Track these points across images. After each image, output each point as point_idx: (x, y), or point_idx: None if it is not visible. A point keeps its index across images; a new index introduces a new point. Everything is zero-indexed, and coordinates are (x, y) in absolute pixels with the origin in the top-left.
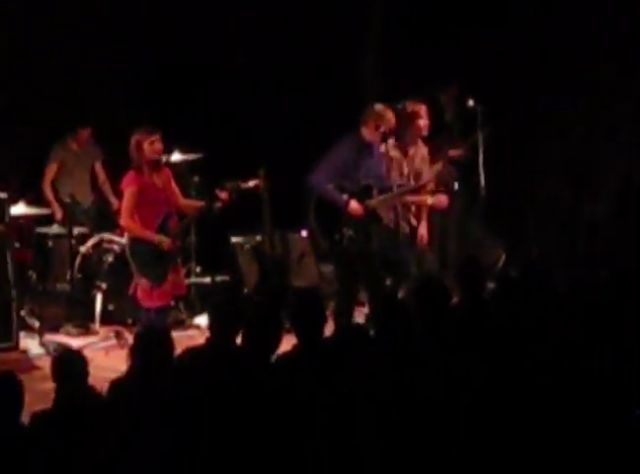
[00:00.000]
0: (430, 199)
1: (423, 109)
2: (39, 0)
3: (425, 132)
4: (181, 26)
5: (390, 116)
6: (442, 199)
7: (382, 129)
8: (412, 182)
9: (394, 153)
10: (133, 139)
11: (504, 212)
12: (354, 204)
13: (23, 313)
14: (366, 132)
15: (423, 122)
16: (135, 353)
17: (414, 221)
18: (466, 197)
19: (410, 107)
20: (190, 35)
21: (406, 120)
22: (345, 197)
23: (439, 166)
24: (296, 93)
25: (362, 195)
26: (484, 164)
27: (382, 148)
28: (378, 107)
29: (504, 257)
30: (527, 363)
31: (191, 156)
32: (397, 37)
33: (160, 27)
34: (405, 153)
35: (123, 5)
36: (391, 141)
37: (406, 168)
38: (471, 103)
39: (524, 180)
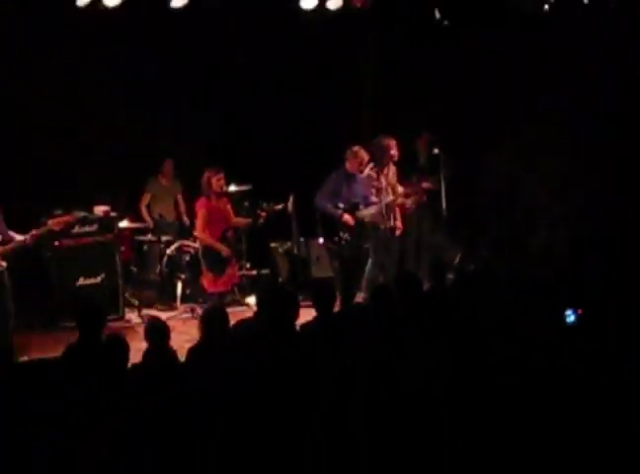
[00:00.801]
0: (409, 202)
1: (393, 142)
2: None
3: (395, 159)
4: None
5: (362, 154)
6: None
7: (358, 162)
8: (389, 192)
9: (371, 173)
10: (206, 175)
11: (459, 226)
12: (346, 217)
13: (127, 295)
14: (349, 166)
15: (393, 152)
16: (203, 323)
17: (396, 219)
18: (433, 216)
19: (385, 141)
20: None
21: (382, 150)
22: (339, 212)
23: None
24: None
25: (352, 209)
26: (445, 192)
27: (365, 172)
28: (354, 148)
29: (459, 256)
30: (484, 341)
31: (242, 187)
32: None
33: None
34: (381, 172)
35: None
36: (370, 165)
37: (383, 182)
38: (436, 151)
39: (474, 202)
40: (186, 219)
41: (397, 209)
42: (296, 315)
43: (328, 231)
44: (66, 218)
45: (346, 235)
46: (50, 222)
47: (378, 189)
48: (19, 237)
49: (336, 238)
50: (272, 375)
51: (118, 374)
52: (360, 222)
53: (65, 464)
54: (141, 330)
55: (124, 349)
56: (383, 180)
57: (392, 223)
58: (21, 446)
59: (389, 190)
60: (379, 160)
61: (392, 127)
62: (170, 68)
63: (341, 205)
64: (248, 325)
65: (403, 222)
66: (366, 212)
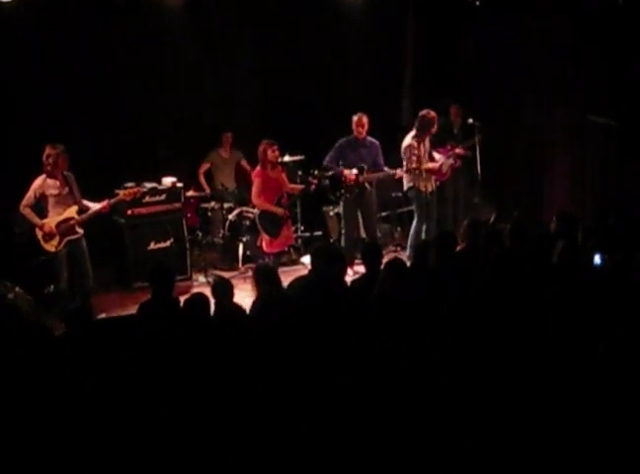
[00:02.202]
0: (445, 167)
1: (435, 116)
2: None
3: (434, 131)
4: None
5: (363, 119)
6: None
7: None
8: (427, 159)
9: (413, 142)
10: (261, 147)
11: (493, 188)
12: (346, 171)
13: (194, 257)
14: (355, 132)
15: (435, 126)
16: (256, 281)
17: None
18: (468, 179)
19: (430, 114)
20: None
21: (427, 123)
22: (340, 168)
23: (447, 164)
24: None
25: (360, 171)
26: (480, 157)
27: (407, 141)
28: (357, 115)
29: (494, 215)
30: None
31: (296, 158)
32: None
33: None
34: (422, 142)
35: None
36: (411, 134)
37: (422, 150)
38: (470, 120)
39: (506, 167)
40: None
41: (432, 174)
42: (344, 271)
43: (334, 190)
44: (136, 190)
45: (347, 194)
46: (122, 193)
47: (418, 156)
48: (95, 206)
49: (337, 193)
50: (322, 325)
51: (203, 327)
52: (361, 185)
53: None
54: (207, 288)
55: (207, 304)
56: (422, 148)
57: (430, 186)
58: (101, 399)
59: (427, 157)
60: (422, 130)
61: (429, 101)
62: (231, 42)
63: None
64: (303, 282)
65: (441, 185)
66: (370, 176)
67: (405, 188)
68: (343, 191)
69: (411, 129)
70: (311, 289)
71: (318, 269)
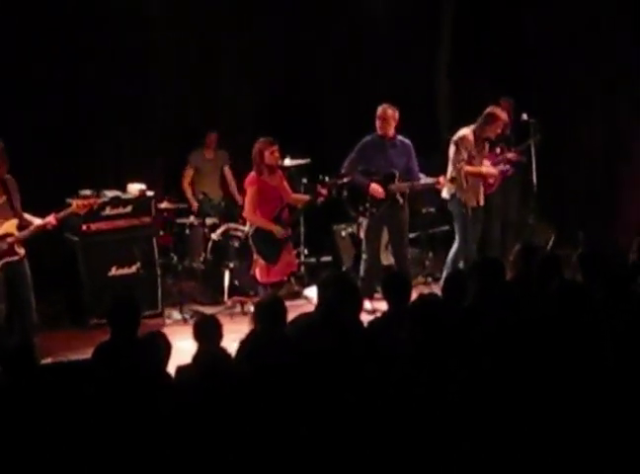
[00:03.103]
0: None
1: (504, 115)
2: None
3: (499, 131)
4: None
5: (388, 112)
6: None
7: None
8: (479, 160)
9: (468, 135)
10: (257, 147)
11: (552, 203)
12: (374, 186)
13: (167, 287)
14: (378, 129)
15: (500, 130)
16: (257, 317)
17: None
18: (521, 190)
19: (494, 111)
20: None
21: (489, 121)
22: (367, 180)
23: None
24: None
25: (386, 180)
26: (536, 164)
27: (461, 132)
28: (380, 107)
29: (553, 238)
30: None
31: (299, 161)
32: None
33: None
34: (479, 142)
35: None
36: (471, 127)
37: (475, 152)
38: (525, 117)
39: (568, 176)
40: (238, 197)
41: (481, 185)
42: (360, 308)
43: (356, 203)
44: (92, 200)
45: (373, 208)
46: (75, 204)
47: (470, 156)
48: (38, 221)
49: (361, 208)
50: (332, 378)
51: (154, 378)
52: (391, 197)
53: None
54: (183, 328)
55: (164, 348)
56: (477, 150)
57: (475, 200)
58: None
59: (480, 161)
60: (482, 129)
61: (470, 98)
62: (219, 23)
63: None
64: (307, 320)
65: (487, 198)
66: (403, 185)
67: (445, 195)
68: (367, 204)
69: (450, 128)
70: (317, 330)
71: (327, 304)
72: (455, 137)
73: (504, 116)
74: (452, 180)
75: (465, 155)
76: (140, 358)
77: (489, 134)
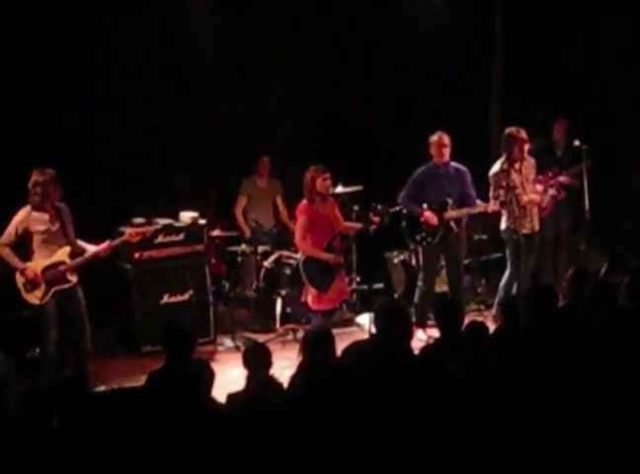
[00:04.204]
0: (545, 201)
1: (522, 133)
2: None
3: (525, 153)
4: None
5: (443, 140)
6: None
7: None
8: (526, 190)
9: (499, 169)
10: (308, 175)
11: (604, 230)
12: (427, 214)
13: (219, 314)
14: (433, 157)
15: (524, 145)
16: (306, 347)
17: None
18: (573, 216)
19: (511, 131)
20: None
21: (509, 143)
22: (420, 209)
23: (547, 196)
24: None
25: (440, 208)
26: (588, 189)
27: (494, 168)
28: (433, 135)
29: (606, 265)
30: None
31: (351, 189)
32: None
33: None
34: (512, 167)
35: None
36: (500, 160)
37: (516, 179)
38: (577, 142)
39: (621, 202)
40: (290, 225)
41: (534, 210)
42: (410, 335)
43: (412, 231)
44: (145, 229)
45: (429, 237)
46: (128, 233)
47: (509, 187)
48: (91, 248)
49: (417, 237)
50: (380, 406)
51: (199, 404)
52: (445, 225)
53: None
54: (236, 355)
55: (208, 376)
56: (516, 176)
57: (529, 227)
58: None
59: (526, 187)
60: (509, 154)
61: (524, 118)
62: (271, 42)
63: (424, 206)
64: (360, 348)
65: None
66: (455, 213)
67: (502, 227)
68: (424, 234)
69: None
70: (369, 359)
71: (379, 332)
72: (489, 175)
73: (521, 133)
74: (503, 204)
75: (502, 191)
76: (187, 386)
77: (517, 157)
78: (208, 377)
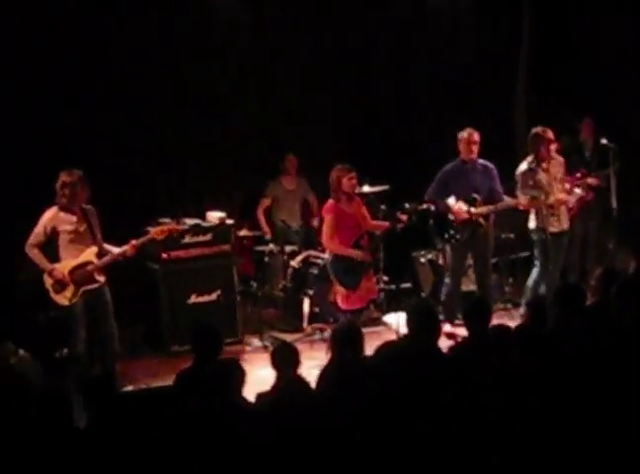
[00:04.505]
0: (572, 201)
1: (548, 132)
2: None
3: (551, 152)
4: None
5: (472, 136)
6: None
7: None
8: (553, 189)
9: (526, 168)
10: (334, 175)
11: (632, 229)
12: (457, 209)
13: (247, 314)
14: (462, 154)
15: (550, 145)
16: (334, 345)
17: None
18: (601, 216)
19: (537, 131)
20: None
21: (535, 142)
22: (450, 204)
23: (574, 196)
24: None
25: (469, 204)
26: (616, 190)
27: (521, 168)
28: (461, 132)
29: (634, 264)
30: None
31: (378, 188)
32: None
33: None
34: (539, 167)
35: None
36: (528, 159)
37: (544, 178)
38: (604, 141)
39: None
40: (315, 224)
41: (562, 208)
42: (438, 335)
43: (440, 229)
44: (171, 226)
45: (457, 235)
46: (153, 231)
47: (535, 186)
48: (116, 249)
49: (446, 235)
50: (408, 406)
51: (230, 404)
52: (474, 221)
53: None
54: (263, 355)
55: (239, 375)
56: (544, 176)
57: (556, 225)
58: None
59: (553, 186)
60: (536, 153)
61: (549, 117)
62: (294, 39)
63: (451, 200)
64: (394, 349)
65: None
66: (484, 209)
67: (530, 226)
68: (452, 231)
69: (526, 151)
70: (405, 360)
71: (413, 332)
72: (515, 174)
73: (548, 133)
74: (533, 199)
75: (529, 190)
76: (216, 385)
77: (544, 156)
78: (240, 377)
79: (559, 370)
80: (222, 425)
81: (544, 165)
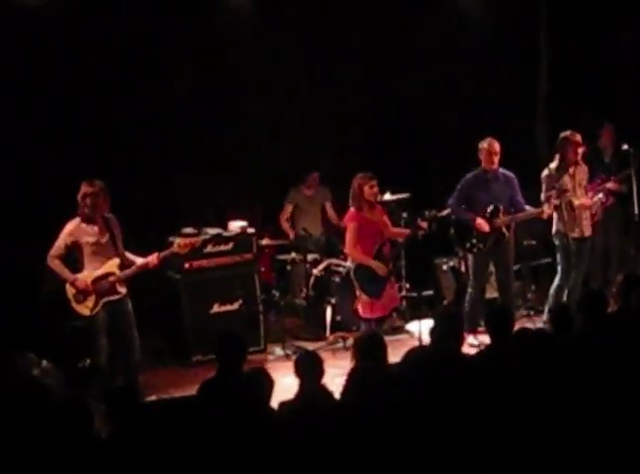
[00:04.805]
0: (593, 207)
1: (577, 137)
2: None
3: (579, 157)
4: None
5: (493, 146)
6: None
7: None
8: (577, 194)
9: (552, 172)
10: (356, 183)
11: None
12: (479, 221)
13: (269, 323)
14: (483, 163)
15: (578, 149)
16: (357, 353)
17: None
18: (622, 222)
19: (566, 135)
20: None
21: (564, 146)
22: (472, 215)
23: (596, 202)
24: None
25: (492, 215)
26: (637, 195)
27: (546, 171)
28: (482, 142)
29: None
30: None
31: (399, 196)
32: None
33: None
34: (566, 172)
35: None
36: (554, 162)
37: (569, 183)
38: (625, 146)
39: None
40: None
41: (589, 215)
42: (461, 343)
43: (462, 238)
44: (194, 241)
45: (480, 244)
46: (177, 244)
47: (561, 191)
48: (140, 260)
49: (468, 244)
50: (437, 416)
51: (258, 414)
52: (497, 231)
53: None
54: (286, 364)
55: (268, 385)
56: (569, 180)
57: (579, 231)
58: None
59: (578, 192)
60: (563, 156)
61: (571, 123)
62: (314, 49)
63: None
64: (420, 355)
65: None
66: (508, 219)
67: (553, 231)
68: (474, 240)
69: (549, 158)
70: (430, 366)
71: (437, 340)
72: (542, 175)
73: (576, 137)
74: (556, 207)
75: (554, 192)
76: (244, 395)
77: (571, 159)
78: (269, 386)
79: (581, 377)
80: (250, 434)
81: (571, 170)
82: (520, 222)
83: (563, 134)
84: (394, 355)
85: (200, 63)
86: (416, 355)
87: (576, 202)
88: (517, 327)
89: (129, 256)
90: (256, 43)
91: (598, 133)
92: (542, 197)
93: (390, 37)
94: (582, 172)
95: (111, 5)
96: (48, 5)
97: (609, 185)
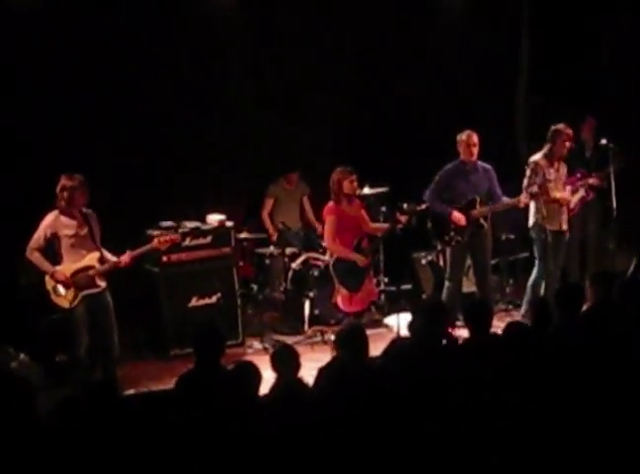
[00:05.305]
0: (573, 201)
1: (569, 131)
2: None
3: (566, 151)
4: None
5: (472, 138)
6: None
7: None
8: (559, 188)
9: (540, 162)
10: (335, 177)
11: (632, 229)
12: (456, 214)
13: (247, 317)
14: (462, 155)
15: (567, 143)
16: (338, 345)
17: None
18: (600, 216)
19: (557, 128)
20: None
21: (554, 139)
22: (449, 208)
23: (576, 197)
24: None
25: (468, 207)
26: (616, 190)
27: (535, 157)
28: (462, 133)
29: (634, 264)
30: None
31: (378, 190)
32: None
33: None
34: (551, 165)
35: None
36: (543, 151)
37: (553, 175)
38: (604, 141)
39: None
40: (317, 225)
41: (566, 209)
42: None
43: (439, 231)
44: (175, 237)
45: (458, 237)
46: (156, 240)
47: (544, 181)
48: (112, 258)
49: (446, 237)
50: (413, 406)
51: (247, 407)
52: (474, 223)
53: None
54: (264, 357)
55: (256, 379)
56: (552, 171)
57: (557, 224)
58: None
59: (559, 186)
60: (551, 150)
61: (551, 117)
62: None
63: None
64: (401, 348)
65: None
66: (486, 209)
67: (530, 224)
68: (452, 233)
69: (528, 152)
70: (411, 359)
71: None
72: (528, 163)
73: (568, 130)
74: (533, 196)
75: (538, 180)
76: (231, 388)
77: (559, 151)
78: (256, 380)
79: (560, 371)
80: (231, 428)
81: (556, 164)
82: (498, 214)
83: (555, 127)
84: (373, 349)
85: (179, 51)
86: (397, 347)
87: (557, 195)
88: (495, 321)
89: (105, 253)
90: (240, 42)
91: (578, 128)
92: (525, 182)
93: (374, 35)
94: (563, 167)
95: (110, 5)
96: (48, 5)
97: (591, 180)
